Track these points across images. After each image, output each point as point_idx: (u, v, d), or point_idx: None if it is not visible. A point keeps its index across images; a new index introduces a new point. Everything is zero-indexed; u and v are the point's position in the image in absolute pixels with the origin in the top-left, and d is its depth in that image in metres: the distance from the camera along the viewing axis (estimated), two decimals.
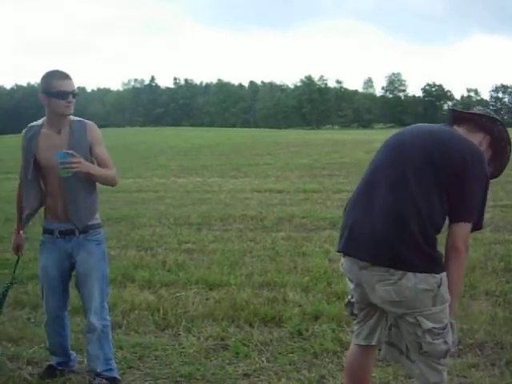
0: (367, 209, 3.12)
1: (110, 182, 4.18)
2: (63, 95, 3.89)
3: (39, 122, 4.12)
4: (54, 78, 3.92)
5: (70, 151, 3.79)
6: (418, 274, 2.97)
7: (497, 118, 3.32)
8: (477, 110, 3.37)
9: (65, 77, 3.94)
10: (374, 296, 3.12)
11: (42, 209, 4.22)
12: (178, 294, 6.21)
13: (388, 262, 3.00)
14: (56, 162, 3.76)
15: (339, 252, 3.27)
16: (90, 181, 4.03)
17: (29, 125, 4.17)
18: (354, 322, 3.43)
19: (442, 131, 3.23)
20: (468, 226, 3.05)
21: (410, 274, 2.97)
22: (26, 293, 6.32)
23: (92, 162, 4.03)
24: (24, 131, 4.15)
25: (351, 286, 3.28)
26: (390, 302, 3.05)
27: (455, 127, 3.26)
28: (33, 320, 5.57)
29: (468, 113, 3.32)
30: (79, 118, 4.13)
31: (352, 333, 3.75)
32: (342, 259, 3.28)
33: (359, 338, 3.37)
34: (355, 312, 3.37)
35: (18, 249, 4.42)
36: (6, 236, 8.22)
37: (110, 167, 4.15)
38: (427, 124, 3.38)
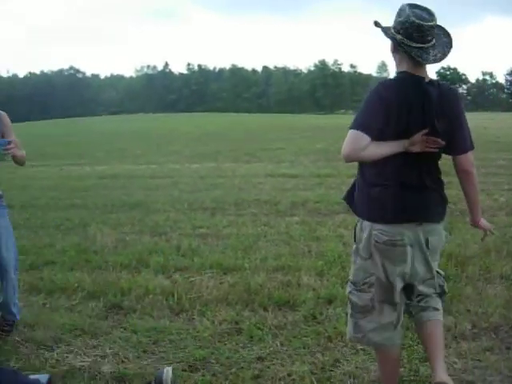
0: None
1: (23, 162, 4.88)
2: None
3: None
4: None
5: (9, 139, 4.58)
6: None
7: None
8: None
9: None
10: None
11: None
12: (193, 279, 6.23)
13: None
14: None
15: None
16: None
17: None
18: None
19: None
20: None
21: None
22: (41, 278, 6.35)
23: None
24: None
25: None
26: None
27: None
28: (48, 305, 5.61)
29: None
30: None
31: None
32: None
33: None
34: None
35: None
36: None
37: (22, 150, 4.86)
38: None
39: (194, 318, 5.20)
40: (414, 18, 3.08)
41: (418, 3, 3.18)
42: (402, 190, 3.23)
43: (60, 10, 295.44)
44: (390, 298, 3.38)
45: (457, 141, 3.26)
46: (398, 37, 3.14)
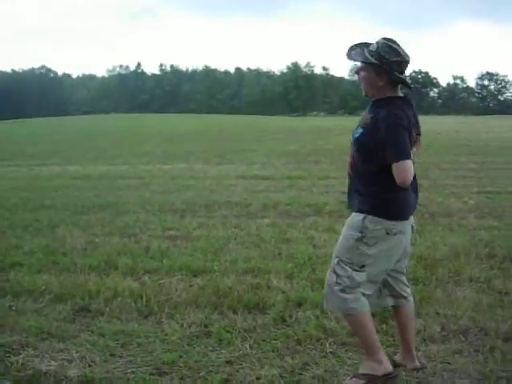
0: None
1: None
2: None
3: None
4: None
5: None
6: None
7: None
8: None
9: None
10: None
11: None
12: (162, 281, 6.17)
13: None
14: None
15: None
16: None
17: None
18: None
19: None
20: None
21: None
22: (8, 281, 6.25)
23: None
24: None
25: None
26: None
27: None
28: (14, 308, 5.50)
29: None
30: None
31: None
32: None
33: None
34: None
35: None
36: None
37: None
38: None
39: (162, 321, 5.14)
40: (407, 58, 3.81)
41: (392, 37, 3.82)
42: (412, 193, 3.97)
43: (32, 9, 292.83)
44: (380, 276, 4.03)
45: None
46: (396, 74, 3.79)
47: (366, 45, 3.86)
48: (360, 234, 3.88)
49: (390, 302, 4.22)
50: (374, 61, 3.78)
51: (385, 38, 3.81)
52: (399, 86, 3.91)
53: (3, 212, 10.47)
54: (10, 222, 9.50)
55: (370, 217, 3.86)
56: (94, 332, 4.93)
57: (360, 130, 3.91)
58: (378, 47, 3.77)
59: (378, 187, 3.88)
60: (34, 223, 9.32)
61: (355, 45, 3.92)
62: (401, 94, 3.93)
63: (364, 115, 4.00)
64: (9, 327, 4.97)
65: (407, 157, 3.69)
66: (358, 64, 3.96)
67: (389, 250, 3.95)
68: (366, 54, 3.81)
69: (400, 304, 4.23)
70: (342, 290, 3.94)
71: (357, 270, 3.93)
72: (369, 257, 3.90)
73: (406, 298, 4.23)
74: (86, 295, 5.70)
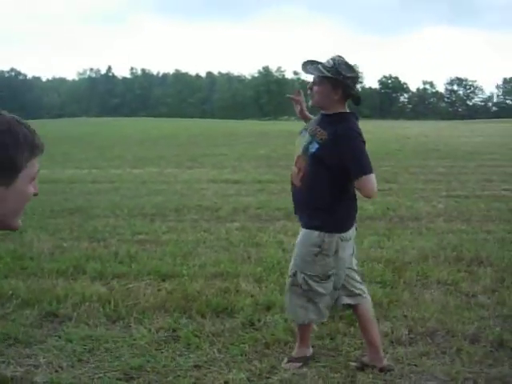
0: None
1: None
2: None
3: None
4: None
5: None
6: None
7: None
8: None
9: None
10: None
11: None
12: (130, 286, 6.14)
13: None
14: None
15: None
16: None
17: None
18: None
19: None
20: None
21: None
22: None
23: None
24: None
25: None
26: None
27: None
28: None
29: None
30: None
31: None
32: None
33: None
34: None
35: None
36: None
37: None
38: None
39: (130, 326, 5.13)
40: (359, 74, 4.31)
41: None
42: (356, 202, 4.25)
43: (2, 11, 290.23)
44: (339, 284, 4.22)
45: None
46: (352, 88, 4.09)
47: (317, 62, 4.10)
48: (319, 249, 4.07)
49: (345, 300, 4.34)
50: (331, 75, 3.99)
51: (339, 56, 4.08)
52: (347, 102, 4.16)
53: None
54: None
55: (324, 233, 4.06)
56: (62, 337, 4.89)
57: (316, 146, 4.05)
58: (334, 63, 4.01)
59: (330, 199, 4.07)
60: None
61: (309, 61, 4.15)
62: (348, 110, 4.19)
63: (313, 127, 4.18)
64: None
65: (371, 171, 3.95)
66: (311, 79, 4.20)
67: (347, 254, 4.18)
68: (322, 69, 4.02)
69: (357, 302, 4.35)
70: (305, 302, 4.21)
71: (322, 282, 4.14)
72: (332, 267, 4.11)
73: (360, 295, 4.35)
74: (53, 300, 5.65)
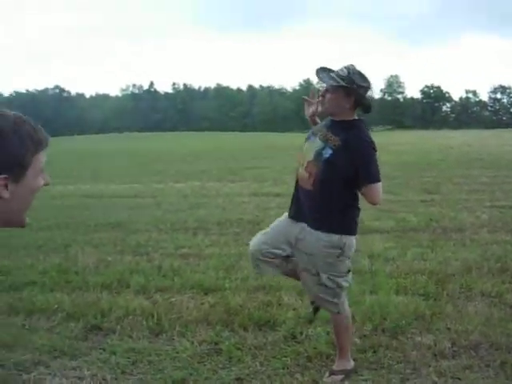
0: None
1: None
2: None
3: None
4: None
5: None
6: None
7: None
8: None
9: None
10: None
11: None
12: (173, 299, 6.19)
13: None
14: None
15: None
16: None
17: None
18: None
19: None
20: None
21: None
22: (21, 299, 6.28)
23: None
24: None
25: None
26: None
27: None
28: (27, 326, 5.55)
29: None
30: None
31: None
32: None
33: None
34: None
35: None
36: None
37: None
38: None
39: (173, 339, 5.17)
40: (371, 85, 4.28)
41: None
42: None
43: (44, 29, 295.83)
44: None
45: None
46: (365, 97, 4.20)
47: (331, 70, 4.19)
48: (340, 251, 4.19)
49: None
50: (345, 84, 4.07)
51: (353, 65, 4.17)
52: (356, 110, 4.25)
53: (17, 231, 10.51)
54: (24, 242, 9.56)
55: (344, 236, 4.19)
56: (106, 350, 4.96)
57: (329, 151, 4.09)
58: (349, 72, 4.09)
59: (342, 203, 4.19)
60: (47, 242, 9.38)
61: (322, 68, 4.23)
62: (356, 117, 4.28)
63: (324, 133, 4.23)
64: (21, 345, 5.01)
65: (379, 179, 4.10)
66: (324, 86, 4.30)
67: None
68: (337, 77, 4.10)
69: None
70: (333, 297, 4.33)
71: (344, 276, 4.31)
72: (349, 262, 4.33)
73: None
74: (98, 313, 5.73)
